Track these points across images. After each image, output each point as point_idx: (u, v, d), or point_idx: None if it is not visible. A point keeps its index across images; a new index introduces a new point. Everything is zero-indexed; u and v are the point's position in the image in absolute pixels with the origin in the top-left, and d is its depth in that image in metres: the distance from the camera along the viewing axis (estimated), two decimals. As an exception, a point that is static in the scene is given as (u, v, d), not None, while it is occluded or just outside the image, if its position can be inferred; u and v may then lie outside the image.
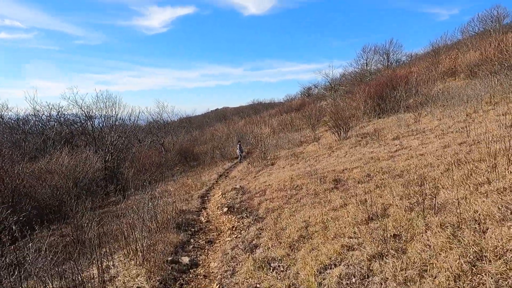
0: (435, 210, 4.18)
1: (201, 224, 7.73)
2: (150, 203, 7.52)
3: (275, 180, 9.84)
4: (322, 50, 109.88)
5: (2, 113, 26.55)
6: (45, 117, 28.17)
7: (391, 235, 3.97)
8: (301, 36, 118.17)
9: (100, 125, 26.79)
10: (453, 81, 21.69)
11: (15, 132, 25.03)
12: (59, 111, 27.80)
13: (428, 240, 3.56)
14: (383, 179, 6.50)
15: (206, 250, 5.90)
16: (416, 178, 5.81)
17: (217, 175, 16.26)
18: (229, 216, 7.95)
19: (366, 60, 43.30)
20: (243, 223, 7.10)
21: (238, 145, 20.97)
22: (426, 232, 3.73)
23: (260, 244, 5.26)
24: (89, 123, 27.28)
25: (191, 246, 6.01)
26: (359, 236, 4.28)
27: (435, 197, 4.59)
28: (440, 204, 4.31)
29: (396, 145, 10.07)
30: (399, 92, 18.60)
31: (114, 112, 26.75)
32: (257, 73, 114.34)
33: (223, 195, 10.74)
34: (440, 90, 18.42)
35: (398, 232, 4.03)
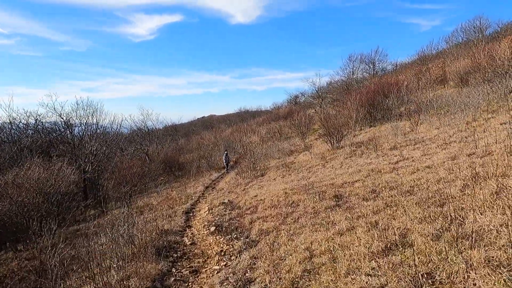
0: (470, 241, 3.42)
1: (184, 248, 6.80)
2: (125, 225, 6.54)
3: (267, 195, 9.00)
4: (308, 59, 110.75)
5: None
6: (22, 125, 26.55)
7: (421, 275, 3.18)
8: (287, 45, 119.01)
9: (80, 133, 25.51)
10: (442, 89, 21.49)
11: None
12: (37, 119, 26.29)
13: (475, 285, 2.78)
14: (392, 196, 5.75)
15: (190, 284, 4.98)
16: (432, 196, 5.08)
17: (204, 187, 15.31)
18: (217, 237, 7.05)
19: (353, 68, 43.32)
20: (233, 247, 6.22)
21: (224, 154, 20.00)
22: (468, 272, 2.96)
23: (255, 279, 4.39)
24: (68, 132, 25.97)
25: (172, 278, 5.08)
26: (379, 273, 3.47)
27: (464, 222, 3.86)
28: (474, 232, 3.56)
29: (396, 156, 9.41)
30: (391, 99, 18.17)
31: (95, 120, 25.53)
32: (244, 81, 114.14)
33: (210, 211, 9.83)
34: (431, 98, 18.08)
35: (430, 270, 3.24)
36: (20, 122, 26.21)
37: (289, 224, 6.15)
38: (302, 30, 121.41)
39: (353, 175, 8.37)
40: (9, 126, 26.12)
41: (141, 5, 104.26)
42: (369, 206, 5.65)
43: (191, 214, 10.03)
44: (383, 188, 6.40)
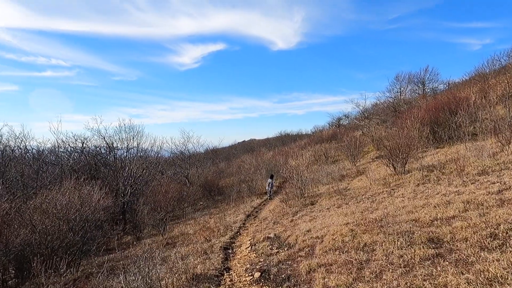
0: None
1: (221, 303, 5.13)
2: (145, 268, 5.05)
3: (324, 231, 7.15)
4: (349, 82, 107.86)
5: (26, 143, 25.50)
6: (69, 148, 27.01)
7: None
8: (327, 69, 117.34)
9: (122, 156, 25.42)
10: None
11: (33, 163, 23.96)
12: (83, 142, 26.71)
13: None
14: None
15: None
16: None
17: (245, 215, 13.67)
18: (264, 289, 5.32)
19: (400, 89, 40.60)
20: (286, 308, 4.44)
21: (269, 180, 18.26)
22: None
23: None
24: (111, 154, 26.05)
25: None
26: None
27: None
28: None
29: (494, 184, 7.18)
30: (460, 116, 15.63)
31: (135, 143, 25.35)
32: (284, 105, 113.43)
33: (253, 247, 8.13)
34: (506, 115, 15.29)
35: None
36: (68, 145, 26.65)
37: (369, 281, 4.27)
38: (342, 54, 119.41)
39: (442, 208, 6.30)
40: (57, 149, 26.64)
41: (187, 36, 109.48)
42: (496, 260, 3.66)
43: (230, 251, 8.37)
44: (508, 232, 4.35)
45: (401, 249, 4.82)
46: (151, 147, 26.09)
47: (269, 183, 18.12)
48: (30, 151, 25.16)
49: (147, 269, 5.24)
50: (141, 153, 26.40)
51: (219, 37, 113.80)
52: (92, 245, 9.26)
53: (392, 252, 4.84)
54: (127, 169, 21.91)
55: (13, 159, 22.60)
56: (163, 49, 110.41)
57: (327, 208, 10.38)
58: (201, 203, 24.44)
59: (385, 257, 4.78)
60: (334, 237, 6.27)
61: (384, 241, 5.27)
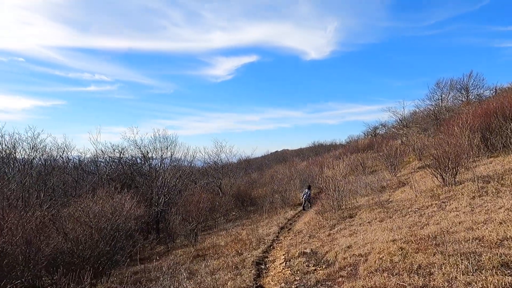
0: None
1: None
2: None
3: (368, 247, 6.40)
4: (385, 91, 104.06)
5: (67, 153, 26.49)
6: (108, 158, 27.84)
7: None
8: (362, 78, 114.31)
9: (156, 166, 25.84)
10: None
11: (73, 172, 24.89)
12: (121, 152, 27.48)
13: None
14: None
15: None
16: None
17: (278, 227, 13.05)
18: (301, 314, 4.69)
19: (441, 96, 38.30)
20: None
21: (305, 191, 17.61)
22: None
23: None
24: (146, 164, 26.56)
25: None
26: None
27: None
28: None
29: None
30: (517, 122, 14.11)
31: (169, 153, 25.65)
32: (317, 115, 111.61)
33: (288, 263, 7.50)
34: None
35: None
36: (107, 155, 27.48)
37: (430, 313, 3.54)
38: (377, 62, 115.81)
39: (511, 225, 5.37)
40: (96, 159, 27.54)
41: (221, 49, 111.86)
42: None
43: (263, 266, 7.79)
44: None
45: (467, 274, 4.02)
46: (184, 156, 26.27)
47: (305, 193, 17.50)
48: (71, 161, 26.22)
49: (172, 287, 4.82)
50: (175, 163, 26.74)
51: (252, 49, 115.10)
52: (122, 255, 9.07)
53: (456, 277, 4.06)
54: (160, 178, 22.11)
55: (55, 168, 23.58)
56: (197, 62, 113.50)
57: (368, 222, 9.52)
58: (233, 213, 24.08)
59: (447, 284, 4.00)
60: (380, 256, 5.52)
61: (443, 264, 4.48)
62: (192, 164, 29.01)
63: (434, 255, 4.86)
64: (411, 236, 6.22)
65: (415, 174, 17.30)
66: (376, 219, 9.61)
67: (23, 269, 6.53)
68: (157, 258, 12.19)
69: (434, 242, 5.44)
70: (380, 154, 21.75)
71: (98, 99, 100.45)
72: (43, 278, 8.67)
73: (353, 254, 6.35)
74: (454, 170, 10.83)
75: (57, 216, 9.49)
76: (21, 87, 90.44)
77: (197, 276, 7.11)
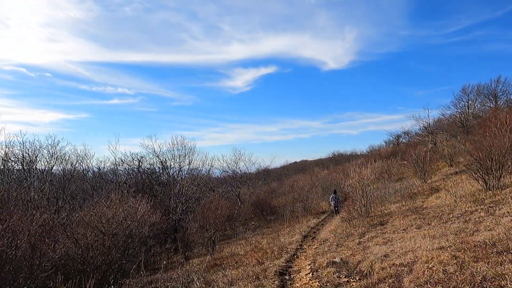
0: None
1: None
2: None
3: (409, 256, 5.52)
4: (406, 100, 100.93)
5: (87, 162, 26.44)
6: (127, 166, 27.74)
7: None
8: (382, 87, 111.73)
9: (174, 174, 25.54)
10: None
11: (92, 180, 24.88)
12: (140, 161, 27.39)
13: None
14: None
15: None
16: None
17: (301, 236, 12.17)
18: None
19: (468, 102, 36.47)
20: None
21: (332, 196, 16.96)
22: None
23: None
24: (165, 173, 26.30)
25: None
26: None
27: None
28: None
29: None
30: None
31: (187, 161, 25.27)
32: (336, 126, 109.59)
33: (315, 274, 6.67)
34: None
35: None
36: (126, 164, 27.36)
37: None
38: (398, 71, 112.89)
39: None
40: (115, 168, 27.43)
41: (239, 61, 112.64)
42: None
43: (287, 277, 6.98)
44: None
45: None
46: (202, 164, 25.80)
47: (333, 197, 17.01)
48: (90, 169, 26.25)
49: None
50: (193, 171, 26.34)
51: (270, 60, 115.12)
52: (133, 262, 8.46)
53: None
54: (178, 185, 21.67)
55: (74, 176, 23.59)
56: (216, 74, 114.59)
57: (403, 229, 8.56)
58: (253, 222, 23.27)
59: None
60: (429, 266, 4.64)
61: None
62: (210, 173, 28.50)
63: (501, 264, 3.97)
64: (461, 243, 5.31)
65: (448, 180, 16.08)
66: (411, 226, 8.64)
67: (27, 276, 6.01)
68: (173, 267, 11.56)
69: (495, 250, 4.53)
70: (407, 160, 20.52)
71: (121, 112, 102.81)
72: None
73: (393, 264, 5.47)
74: (499, 172, 9.72)
75: (68, 221, 9.02)
76: (48, 101, 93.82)
77: (214, 287, 6.39)
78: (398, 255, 5.90)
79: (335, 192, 17.26)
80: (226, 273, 7.82)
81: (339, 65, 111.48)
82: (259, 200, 25.66)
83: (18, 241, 5.87)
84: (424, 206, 11.08)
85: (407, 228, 8.60)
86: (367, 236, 8.95)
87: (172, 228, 20.07)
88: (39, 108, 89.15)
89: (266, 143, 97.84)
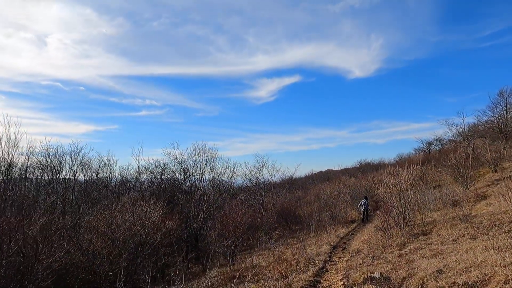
0: None
1: None
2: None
3: (473, 272, 4.32)
4: (436, 108, 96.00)
5: (111, 169, 26.18)
6: (150, 174, 27.38)
7: None
8: (410, 95, 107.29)
9: (196, 181, 24.94)
10: None
11: (116, 188, 24.67)
12: (163, 168, 26.96)
13: None
14: None
15: None
16: None
17: (330, 246, 10.96)
18: None
19: (506, 106, 33.83)
20: None
21: (362, 201, 16.33)
22: None
23: None
24: (187, 180, 25.72)
25: None
26: None
27: None
28: None
29: None
30: None
31: (208, 168, 24.62)
32: (362, 135, 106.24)
33: (350, 291, 5.54)
34: None
35: None
36: (150, 171, 26.93)
37: None
38: (427, 78, 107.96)
39: None
40: (137, 175, 27.08)
41: (264, 71, 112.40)
42: None
43: (315, 294, 5.88)
44: None
45: None
46: (224, 170, 25.04)
47: (362, 203, 16.38)
48: (114, 177, 26.08)
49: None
50: (215, 177, 25.64)
51: (294, 69, 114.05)
52: (145, 272, 7.61)
53: None
54: (199, 191, 20.96)
55: (97, 183, 23.49)
56: (241, 85, 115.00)
57: (453, 240, 7.24)
58: (277, 232, 22.10)
59: None
60: (507, 278, 3.46)
61: None
62: (232, 180, 27.65)
63: None
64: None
65: (495, 187, 14.37)
66: (463, 236, 7.31)
67: (17, 285, 5.27)
68: (190, 278, 10.67)
69: None
70: (446, 166, 18.79)
71: (148, 123, 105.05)
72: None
73: (454, 283, 4.28)
74: None
75: (76, 225, 8.35)
76: (81, 114, 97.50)
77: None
78: (457, 272, 4.69)
79: (365, 198, 16.13)
80: (246, 286, 6.83)
81: (365, 73, 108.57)
82: (283, 208, 24.47)
83: (8, 247, 5.17)
84: (473, 214, 9.62)
85: (457, 238, 7.28)
86: (408, 248, 7.69)
87: (193, 236, 19.29)
88: (73, 121, 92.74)
89: (290, 153, 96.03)
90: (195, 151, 24.71)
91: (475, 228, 7.60)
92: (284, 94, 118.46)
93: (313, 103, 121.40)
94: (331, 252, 10.06)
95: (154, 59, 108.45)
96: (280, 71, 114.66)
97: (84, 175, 21.64)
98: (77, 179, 21.99)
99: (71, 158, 21.50)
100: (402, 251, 7.52)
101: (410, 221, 10.27)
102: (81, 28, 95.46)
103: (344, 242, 11.76)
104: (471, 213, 9.94)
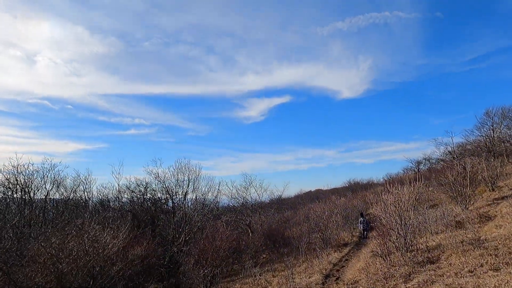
0: None
1: None
2: None
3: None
4: (422, 129, 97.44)
5: (89, 187, 24.33)
6: (133, 195, 25.53)
7: None
8: (398, 116, 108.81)
9: (179, 201, 23.31)
10: None
11: (94, 208, 22.86)
12: (145, 187, 25.22)
13: None
14: None
15: None
16: None
17: (321, 275, 9.61)
18: None
19: (492, 125, 33.87)
20: None
21: (360, 219, 16.20)
22: None
23: None
24: (167, 198, 24.07)
25: None
26: None
27: None
28: None
29: None
30: None
31: (191, 186, 23.11)
32: (351, 154, 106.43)
33: None
34: None
35: None
36: (131, 190, 25.12)
37: None
38: (414, 100, 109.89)
39: None
40: (120, 195, 25.21)
41: (254, 91, 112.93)
42: None
43: None
44: None
45: None
46: (208, 189, 23.53)
47: (361, 221, 16.16)
48: (92, 196, 24.24)
49: None
50: (199, 196, 24.11)
51: (284, 90, 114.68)
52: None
53: None
54: (181, 212, 19.41)
55: (71, 202, 21.71)
56: (231, 104, 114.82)
57: (470, 271, 6.04)
58: (264, 256, 20.54)
59: None
60: None
61: None
62: (217, 199, 26.06)
63: None
64: None
65: (497, 206, 13.37)
66: (481, 266, 6.12)
67: None
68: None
69: None
70: (443, 184, 17.81)
71: (137, 142, 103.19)
72: None
73: None
74: None
75: (18, 255, 6.86)
76: (69, 132, 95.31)
77: None
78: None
79: (362, 215, 15.57)
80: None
81: (354, 94, 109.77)
82: (271, 230, 22.98)
83: None
84: (483, 238, 8.48)
85: (475, 269, 6.08)
86: (416, 280, 6.44)
87: (172, 261, 17.58)
88: (60, 139, 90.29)
89: (280, 173, 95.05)
90: (178, 169, 23.20)
91: (493, 256, 6.44)
92: (274, 114, 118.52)
93: (303, 123, 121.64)
94: (323, 283, 8.72)
95: (145, 78, 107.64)
96: (270, 91, 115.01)
97: (60, 195, 19.91)
98: (49, 198, 20.22)
99: (43, 176, 19.82)
100: (408, 285, 6.27)
101: (412, 246, 9.06)
102: (73, 46, 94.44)
103: (338, 270, 10.42)
104: (480, 237, 8.81)
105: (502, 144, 34.66)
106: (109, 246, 6.93)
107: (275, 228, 23.75)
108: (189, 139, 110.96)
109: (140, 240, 10.06)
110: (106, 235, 7.09)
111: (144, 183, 24.61)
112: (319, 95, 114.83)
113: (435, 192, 22.39)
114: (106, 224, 9.03)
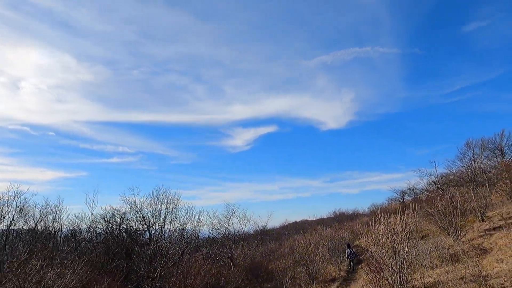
0: None
1: None
2: None
3: None
4: (406, 159, 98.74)
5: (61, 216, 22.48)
6: (109, 225, 23.76)
7: None
8: (381, 147, 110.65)
9: (156, 232, 21.81)
10: None
11: (66, 239, 21.04)
12: (122, 217, 23.54)
13: None
14: None
15: None
16: None
17: (308, 318, 8.51)
18: None
19: (473, 156, 34.31)
20: None
21: (348, 251, 15.92)
22: None
23: None
24: (147, 232, 22.47)
25: None
26: None
27: None
28: None
29: None
30: None
31: (169, 217, 21.73)
32: (336, 185, 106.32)
33: None
34: None
35: None
36: (107, 220, 23.37)
37: None
38: (397, 131, 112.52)
39: None
40: (92, 225, 23.38)
41: (240, 121, 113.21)
42: None
43: None
44: None
45: None
46: (188, 218, 22.16)
47: (348, 252, 15.83)
48: (64, 226, 22.42)
49: None
50: (177, 226, 22.65)
51: (270, 120, 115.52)
52: None
53: None
54: (155, 244, 17.96)
55: (44, 233, 19.90)
56: (217, 133, 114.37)
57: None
58: (246, 292, 19.06)
59: None
60: None
61: None
62: (197, 229, 24.55)
63: None
64: None
65: (491, 237, 12.72)
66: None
67: None
68: None
69: None
70: (432, 214, 17.16)
71: (119, 170, 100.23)
72: None
73: None
74: None
75: None
76: (48, 159, 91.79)
77: None
78: None
79: (349, 246, 15.16)
80: None
81: (338, 125, 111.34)
82: (254, 263, 21.61)
83: None
84: (485, 274, 7.68)
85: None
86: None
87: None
88: (39, 167, 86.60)
89: (265, 202, 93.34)
90: (156, 197, 21.84)
91: (505, 297, 5.62)
92: (260, 143, 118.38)
93: (289, 153, 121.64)
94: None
95: (131, 106, 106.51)
96: (256, 121, 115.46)
97: (27, 225, 18.19)
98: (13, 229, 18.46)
99: (6, 204, 18.16)
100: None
101: (408, 283, 8.16)
102: (59, 73, 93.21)
103: (326, 311, 9.33)
104: (481, 272, 8.01)
105: (484, 174, 34.94)
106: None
107: (258, 261, 22.41)
108: (173, 167, 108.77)
109: (104, 278, 8.77)
110: (51, 273, 5.88)
111: (120, 213, 23.02)
112: (304, 126, 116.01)
113: (422, 222, 21.75)
114: (54, 260, 7.76)
